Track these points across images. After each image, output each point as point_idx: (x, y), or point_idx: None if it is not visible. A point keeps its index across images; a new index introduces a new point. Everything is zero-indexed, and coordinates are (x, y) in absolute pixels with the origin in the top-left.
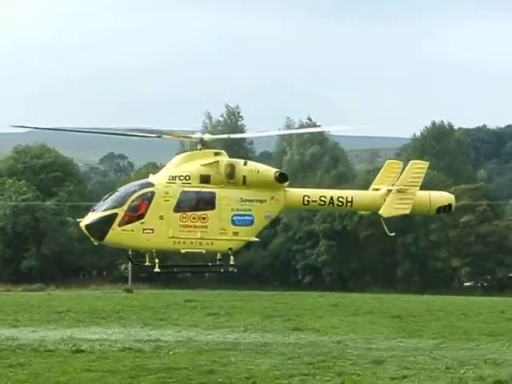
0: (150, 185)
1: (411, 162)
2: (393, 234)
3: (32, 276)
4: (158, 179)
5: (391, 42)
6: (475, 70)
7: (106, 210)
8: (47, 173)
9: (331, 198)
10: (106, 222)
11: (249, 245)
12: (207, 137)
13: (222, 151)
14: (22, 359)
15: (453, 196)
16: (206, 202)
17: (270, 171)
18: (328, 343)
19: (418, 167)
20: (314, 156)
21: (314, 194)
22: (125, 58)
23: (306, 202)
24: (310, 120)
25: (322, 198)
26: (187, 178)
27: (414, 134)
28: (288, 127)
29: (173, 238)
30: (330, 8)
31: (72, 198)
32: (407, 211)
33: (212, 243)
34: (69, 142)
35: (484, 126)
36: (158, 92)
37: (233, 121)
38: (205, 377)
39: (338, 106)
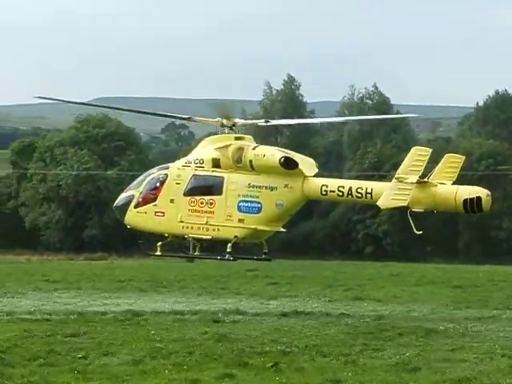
0: (166, 168)
1: (413, 148)
2: (420, 232)
3: (94, 245)
4: (176, 162)
5: (454, 10)
6: None
7: (126, 191)
8: (109, 142)
9: (350, 189)
10: (125, 204)
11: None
12: (240, 122)
13: (247, 136)
14: (85, 328)
15: (486, 191)
16: (214, 187)
17: (275, 156)
18: (390, 313)
19: (420, 154)
20: (373, 125)
21: (333, 184)
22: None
23: (324, 193)
24: (377, 88)
25: (341, 189)
26: (201, 161)
27: (477, 103)
28: (352, 96)
29: (181, 222)
30: None
31: (133, 168)
32: (405, 203)
33: (218, 229)
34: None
35: None
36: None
37: (292, 90)
38: (267, 345)
39: (401, 76)
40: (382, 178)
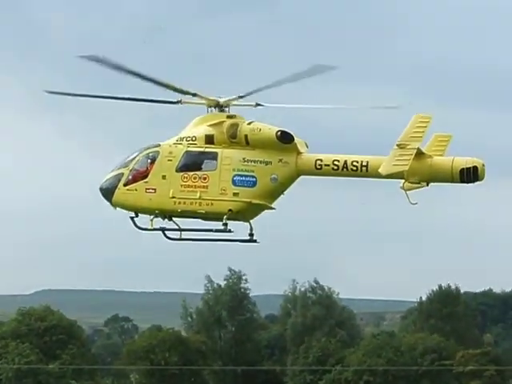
0: (157, 145)
1: (415, 115)
2: (415, 202)
3: None
4: (167, 141)
5: (400, 208)
6: (480, 233)
7: (114, 170)
8: (51, 335)
9: (345, 163)
10: (113, 183)
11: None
12: (222, 100)
13: (238, 115)
14: None
15: (481, 160)
16: (207, 162)
17: (272, 130)
18: None
19: (422, 120)
20: (316, 318)
21: (328, 158)
22: None
23: (318, 167)
24: (317, 283)
25: (336, 163)
26: (193, 138)
27: (421, 298)
28: (294, 290)
29: (173, 198)
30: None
31: (75, 361)
32: (406, 168)
33: (212, 204)
34: (74, 304)
35: (490, 289)
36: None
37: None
38: None
39: (344, 268)
40: (326, 373)
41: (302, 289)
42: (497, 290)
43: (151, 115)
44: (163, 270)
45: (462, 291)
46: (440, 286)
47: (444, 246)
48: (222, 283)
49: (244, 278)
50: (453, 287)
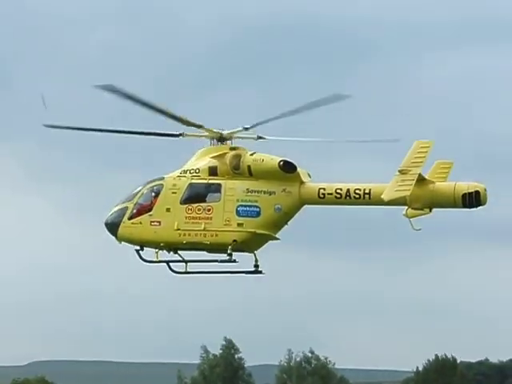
0: (161, 179)
1: (416, 141)
2: (419, 229)
3: None
4: (171, 174)
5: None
6: (477, 303)
7: (118, 204)
8: None
9: (348, 191)
10: (117, 218)
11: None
12: (224, 133)
13: (241, 147)
14: None
15: (482, 185)
16: (211, 194)
17: (274, 160)
18: None
19: (423, 146)
20: None
21: (330, 186)
22: None
23: (321, 195)
24: (313, 353)
25: (338, 191)
26: (197, 170)
27: (417, 368)
28: (289, 360)
29: (178, 230)
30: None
31: None
32: (408, 193)
33: (216, 235)
34: (68, 375)
35: (486, 359)
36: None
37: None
38: None
39: (341, 338)
40: None
41: (298, 359)
42: (493, 359)
43: None
44: (157, 341)
45: (458, 361)
46: (436, 356)
47: (440, 315)
48: (218, 353)
49: (234, 347)
50: (449, 357)
